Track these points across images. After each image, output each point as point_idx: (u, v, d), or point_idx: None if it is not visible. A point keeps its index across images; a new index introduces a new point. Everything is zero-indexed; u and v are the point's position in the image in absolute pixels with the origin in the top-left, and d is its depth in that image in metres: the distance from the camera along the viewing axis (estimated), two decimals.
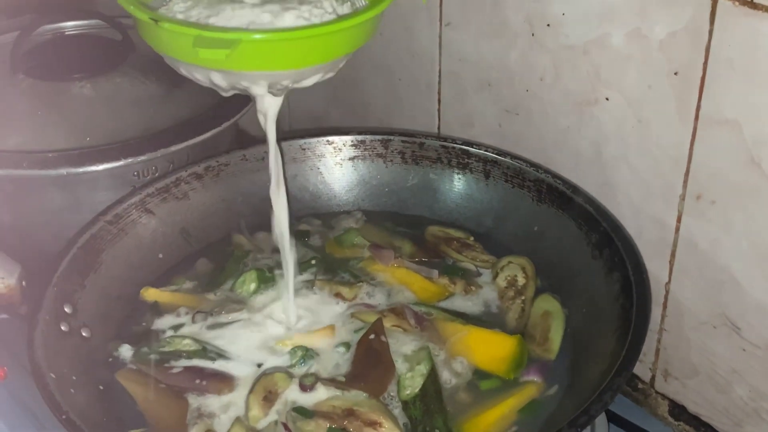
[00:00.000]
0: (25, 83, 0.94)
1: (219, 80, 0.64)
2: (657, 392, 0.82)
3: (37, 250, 0.85)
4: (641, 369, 0.83)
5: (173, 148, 0.85)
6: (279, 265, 0.79)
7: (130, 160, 0.83)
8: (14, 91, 0.93)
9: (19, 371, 0.82)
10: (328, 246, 0.83)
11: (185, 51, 0.59)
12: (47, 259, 0.73)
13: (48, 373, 0.63)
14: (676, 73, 0.69)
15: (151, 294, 0.77)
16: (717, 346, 0.75)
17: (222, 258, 0.82)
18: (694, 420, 0.79)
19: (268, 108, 0.69)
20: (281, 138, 0.88)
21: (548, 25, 0.78)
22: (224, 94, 0.68)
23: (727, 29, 0.65)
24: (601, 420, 0.74)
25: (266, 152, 0.72)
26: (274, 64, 0.62)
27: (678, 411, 0.81)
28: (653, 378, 0.82)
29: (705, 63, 0.67)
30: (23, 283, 0.73)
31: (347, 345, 0.71)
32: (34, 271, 0.74)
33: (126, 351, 0.72)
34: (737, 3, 0.63)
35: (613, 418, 0.78)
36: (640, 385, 0.83)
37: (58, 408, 0.60)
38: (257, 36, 0.59)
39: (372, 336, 0.70)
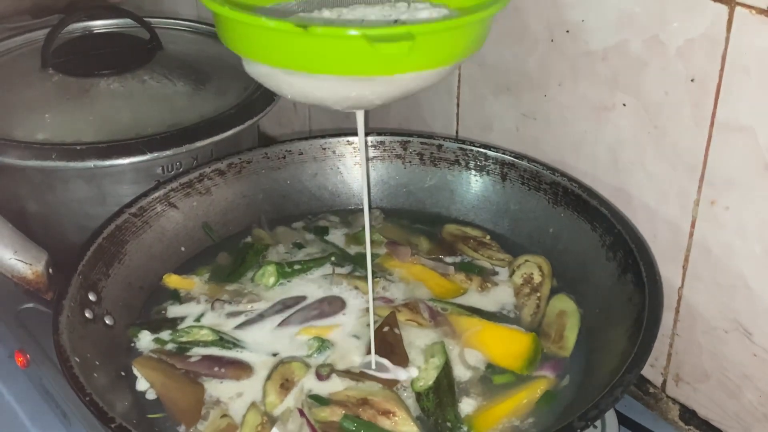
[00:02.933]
0: (54, 78, 0.96)
1: (344, 92, 0.56)
2: (668, 396, 0.83)
3: (62, 239, 0.88)
4: (653, 373, 0.83)
5: (197, 145, 0.87)
6: (298, 260, 0.81)
7: (155, 154, 0.85)
8: (44, 85, 0.95)
9: (40, 359, 0.84)
10: (347, 242, 0.85)
11: (328, 58, 0.52)
12: (73, 248, 0.75)
13: (72, 357, 0.64)
14: (692, 80, 0.70)
15: (173, 281, 0.79)
16: (728, 351, 0.76)
17: (242, 251, 0.83)
18: (705, 424, 0.80)
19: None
20: (301, 138, 0.90)
21: (567, 31, 0.79)
22: (336, 108, 0.60)
23: (743, 37, 0.66)
24: (612, 423, 0.74)
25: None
26: (432, 61, 0.54)
27: (688, 415, 0.81)
28: (664, 382, 0.83)
29: (721, 70, 0.68)
30: (50, 270, 0.75)
31: (362, 337, 0.72)
32: (60, 260, 0.76)
33: (145, 337, 0.74)
34: (754, 11, 0.64)
35: (624, 422, 0.79)
36: (651, 390, 0.84)
37: (82, 389, 0.61)
38: (443, 23, 0.53)
39: (386, 328, 0.71)
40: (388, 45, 0.50)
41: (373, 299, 0.76)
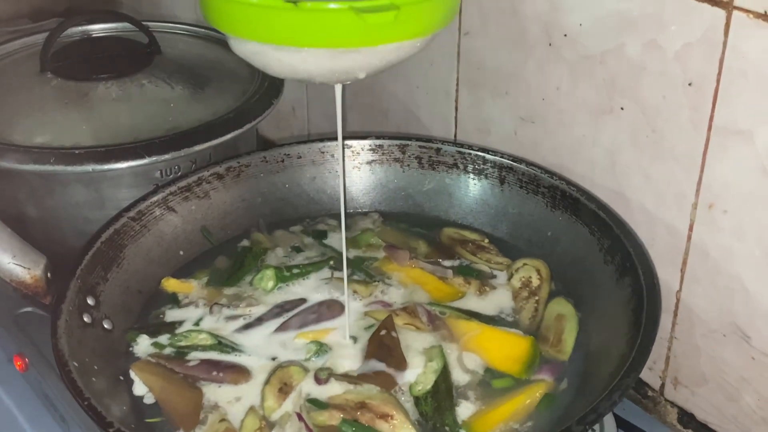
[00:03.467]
0: (53, 82, 0.96)
1: (330, 64, 0.59)
2: (666, 400, 0.83)
3: (61, 243, 0.88)
4: (651, 377, 0.84)
5: (196, 148, 0.87)
6: (296, 264, 0.81)
7: (153, 158, 0.85)
8: (43, 89, 0.95)
9: (39, 364, 0.84)
10: (345, 245, 0.85)
11: (317, 31, 0.55)
12: (71, 252, 0.75)
13: (70, 361, 0.64)
14: (690, 84, 0.71)
15: (171, 285, 0.79)
16: (727, 355, 0.76)
17: (241, 255, 0.83)
18: (703, 428, 0.80)
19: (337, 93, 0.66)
20: (300, 141, 0.90)
21: (565, 35, 0.80)
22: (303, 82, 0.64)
23: (741, 41, 0.66)
24: (610, 426, 0.74)
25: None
26: (414, 31, 0.58)
27: (687, 419, 0.81)
28: (663, 386, 0.83)
29: (719, 74, 0.68)
30: (48, 274, 0.75)
31: (360, 341, 0.72)
32: (59, 264, 0.76)
33: (144, 341, 0.74)
34: (751, 16, 0.65)
35: (622, 425, 0.79)
36: (649, 393, 0.84)
37: (80, 394, 0.61)
38: None
39: (383, 332, 0.71)
40: (374, 15, 0.53)
41: (371, 303, 0.77)
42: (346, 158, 0.90)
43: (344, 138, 0.89)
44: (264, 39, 0.57)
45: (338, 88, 0.65)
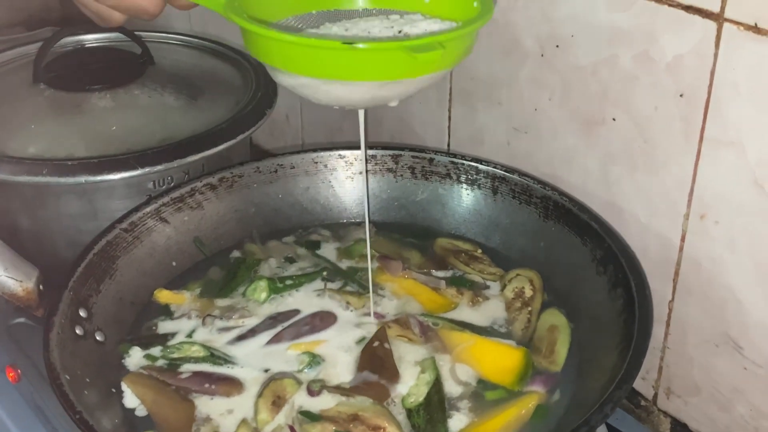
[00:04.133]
0: (46, 93, 0.96)
1: (373, 93, 0.63)
2: (659, 410, 0.83)
3: (54, 255, 0.88)
4: (644, 386, 0.84)
5: (189, 159, 0.87)
6: (290, 275, 0.81)
7: (146, 169, 0.85)
8: (35, 100, 0.95)
9: (32, 375, 0.83)
10: (338, 256, 0.85)
11: (370, 67, 0.59)
12: (64, 264, 0.74)
13: (62, 374, 0.64)
14: (681, 95, 0.71)
15: (164, 296, 0.79)
16: (719, 365, 0.76)
17: (234, 266, 0.83)
18: None
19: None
20: (293, 151, 0.90)
21: (557, 46, 0.80)
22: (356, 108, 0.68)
23: (732, 53, 0.66)
24: None
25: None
26: (449, 63, 0.63)
27: (680, 429, 0.81)
28: (656, 395, 0.83)
29: (710, 86, 0.68)
30: (40, 286, 0.75)
31: (352, 352, 0.72)
32: (51, 276, 0.76)
33: (136, 353, 0.73)
34: (742, 28, 0.65)
35: None
36: (642, 403, 0.84)
37: (71, 407, 0.61)
38: (463, 31, 0.61)
39: (376, 343, 0.71)
40: (425, 54, 0.57)
41: (364, 315, 0.77)
42: (339, 168, 0.90)
43: (338, 148, 0.90)
44: (319, 75, 0.60)
45: (362, 113, 0.70)
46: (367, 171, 0.83)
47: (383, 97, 0.63)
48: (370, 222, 0.77)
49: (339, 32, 0.65)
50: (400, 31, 0.64)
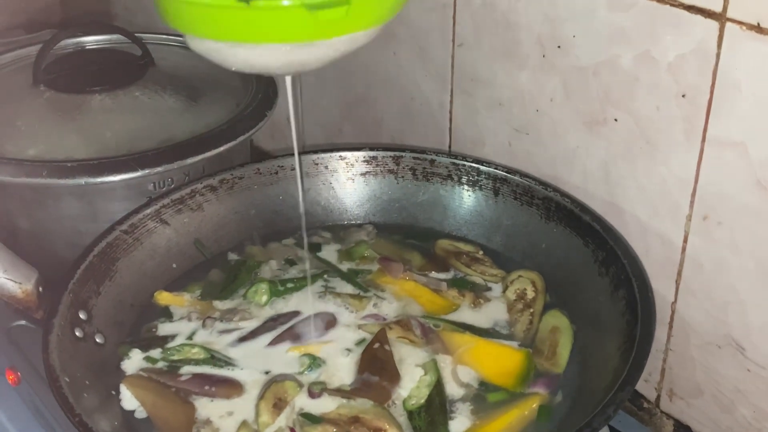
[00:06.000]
0: (46, 95, 0.96)
1: (286, 58, 0.60)
2: (662, 412, 0.83)
3: (53, 257, 0.87)
4: (647, 388, 0.83)
5: (189, 161, 0.87)
6: (291, 278, 0.81)
7: (146, 171, 0.85)
8: (35, 102, 0.95)
9: (32, 377, 0.83)
10: (339, 258, 0.84)
11: (271, 28, 0.57)
12: (63, 265, 0.74)
13: (62, 376, 0.64)
14: (683, 95, 0.71)
15: (164, 298, 0.79)
16: (722, 366, 0.75)
17: (235, 268, 0.83)
18: None
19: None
20: (293, 154, 0.90)
21: (559, 46, 0.80)
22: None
23: (734, 53, 0.66)
24: None
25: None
26: (365, 23, 0.60)
27: (683, 431, 0.81)
28: (658, 397, 0.83)
29: (712, 85, 0.68)
30: (40, 288, 0.75)
31: (353, 354, 0.72)
32: (51, 278, 0.76)
33: (136, 356, 0.73)
34: (744, 27, 0.64)
35: None
36: (645, 405, 0.84)
37: (71, 410, 0.61)
38: None
39: (376, 345, 0.71)
40: (326, 11, 0.54)
41: (365, 316, 0.76)
42: (339, 170, 0.90)
43: (339, 150, 0.90)
44: (220, 37, 0.59)
45: (288, 79, 0.67)
46: (300, 162, 0.81)
47: (299, 61, 0.61)
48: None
49: None
50: None
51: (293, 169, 0.89)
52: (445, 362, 0.71)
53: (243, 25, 0.57)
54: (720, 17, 0.66)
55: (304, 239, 0.77)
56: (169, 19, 0.61)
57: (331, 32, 0.58)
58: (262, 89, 0.98)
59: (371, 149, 0.89)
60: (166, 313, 0.78)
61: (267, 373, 0.71)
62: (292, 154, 0.89)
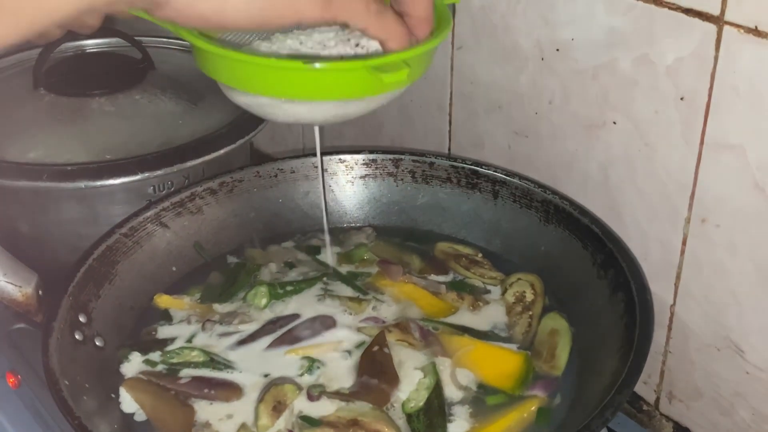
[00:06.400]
0: (46, 98, 0.96)
1: (335, 111, 0.61)
2: (661, 414, 0.83)
3: (53, 260, 0.88)
4: (646, 391, 0.83)
5: (189, 164, 0.87)
6: (290, 281, 0.81)
7: (146, 174, 0.85)
8: (36, 105, 0.95)
9: (32, 380, 0.83)
10: (339, 261, 0.85)
11: (332, 86, 0.57)
12: (63, 269, 0.74)
13: (61, 380, 0.64)
14: (682, 99, 0.71)
15: (164, 301, 0.79)
16: (721, 369, 0.75)
17: (234, 271, 0.83)
18: None
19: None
20: (293, 156, 0.90)
21: (557, 49, 0.80)
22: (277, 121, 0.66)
23: (732, 56, 0.66)
24: None
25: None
26: (415, 77, 0.61)
27: None
28: (658, 400, 0.83)
29: (710, 89, 0.68)
30: (40, 292, 0.75)
31: (352, 357, 0.72)
32: (51, 281, 0.76)
33: (136, 359, 0.73)
34: (742, 30, 0.65)
35: None
36: (644, 407, 0.84)
37: (70, 413, 0.61)
38: (431, 44, 0.59)
39: (375, 348, 0.71)
40: (390, 75, 0.54)
41: (364, 319, 0.77)
42: (339, 172, 0.90)
43: (338, 152, 0.90)
44: (274, 94, 0.58)
45: (317, 129, 0.69)
46: (325, 195, 0.82)
47: (345, 114, 0.62)
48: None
49: (293, 45, 0.62)
50: (357, 44, 0.61)
51: (293, 171, 0.89)
52: (443, 365, 0.71)
53: (304, 84, 0.57)
54: (718, 20, 0.66)
55: (326, 236, 0.78)
56: (211, 71, 0.60)
57: (387, 88, 0.58)
58: None
59: (370, 152, 0.90)
60: (166, 316, 0.78)
61: (266, 376, 0.71)
62: (292, 157, 0.90)
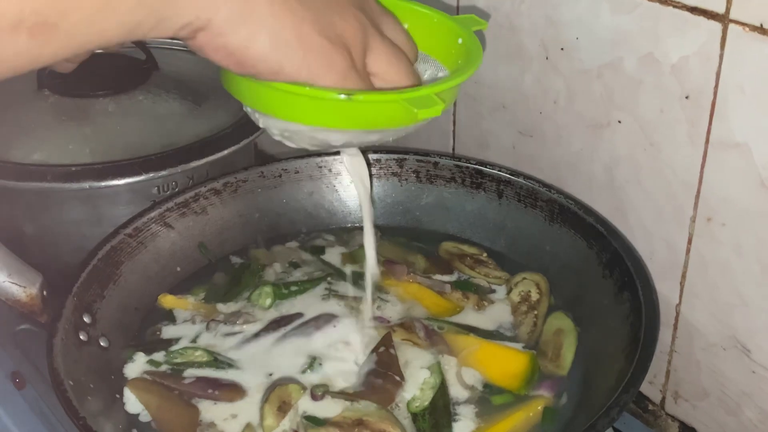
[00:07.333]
0: (50, 99, 0.96)
1: (366, 138, 0.61)
2: (667, 414, 0.83)
3: (58, 260, 0.88)
4: (652, 391, 0.83)
5: (193, 164, 0.87)
6: (294, 281, 0.81)
7: (150, 175, 0.85)
8: (39, 106, 0.95)
9: (36, 381, 0.83)
10: (343, 261, 0.84)
11: (368, 117, 0.57)
12: (68, 269, 0.74)
13: (66, 380, 0.64)
14: (687, 97, 0.70)
15: (168, 301, 0.79)
16: (727, 369, 0.75)
17: (239, 271, 0.83)
18: None
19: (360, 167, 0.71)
20: (297, 156, 0.90)
21: (562, 49, 0.80)
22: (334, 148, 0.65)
23: (737, 54, 0.66)
24: None
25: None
26: (443, 107, 0.60)
27: None
28: (663, 400, 0.82)
29: (716, 87, 0.68)
30: (44, 292, 0.75)
31: (357, 357, 0.72)
32: (55, 282, 0.76)
33: (140, 359, 0.73)
34: (747, 29, 0.64)
35: None
36: (650, 407, 0.84)
37: (75, 413, 0.61)
38: (458, 80, 0.59)
39: (381, 348, 0.71)
40: (425, 110, 0.55)
41: (369, 319, 0.76)
42: (343, 172, 0.90)
43: (339, 152, 0.90)
44: (312, 123, 0.57)
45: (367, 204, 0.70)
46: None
47: (373, 140, 0.62)
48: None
49: None
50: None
51: (297, 172, 0.89)
52: (449, 364, 0.71)
53: (342, 113, 0.56)
54: (723, 19, 0.66)
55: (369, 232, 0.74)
56: (241, 96, 0.59)
57: (419, 119, 0.58)
58: None
59: (374, 152, 0.89)
60: (170, 317, 0.78)
61: (270, 375, 0.71)
62: (296, 157, 0.90)
